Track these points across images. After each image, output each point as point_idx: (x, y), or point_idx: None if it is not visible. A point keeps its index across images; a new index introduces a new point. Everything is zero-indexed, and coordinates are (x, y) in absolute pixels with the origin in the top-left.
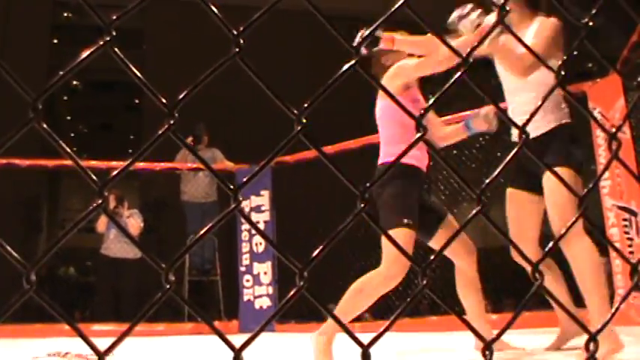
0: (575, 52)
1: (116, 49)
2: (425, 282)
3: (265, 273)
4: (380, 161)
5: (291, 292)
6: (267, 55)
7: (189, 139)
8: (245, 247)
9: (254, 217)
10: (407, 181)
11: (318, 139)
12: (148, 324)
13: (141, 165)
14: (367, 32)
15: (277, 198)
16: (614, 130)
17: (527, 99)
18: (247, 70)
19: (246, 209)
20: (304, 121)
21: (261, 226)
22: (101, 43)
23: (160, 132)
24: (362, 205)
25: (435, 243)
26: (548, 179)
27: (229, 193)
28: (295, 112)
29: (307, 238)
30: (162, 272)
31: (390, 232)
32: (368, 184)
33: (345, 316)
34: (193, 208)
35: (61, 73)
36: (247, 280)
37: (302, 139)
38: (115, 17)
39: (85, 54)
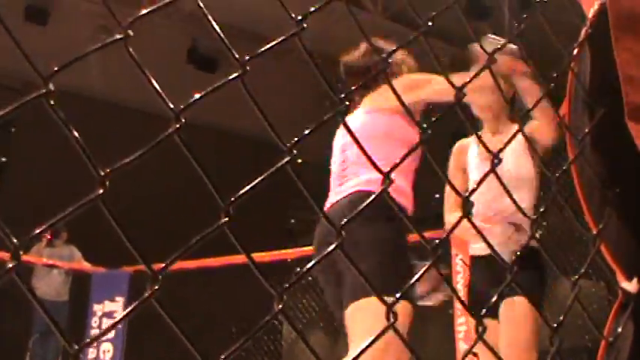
0: None
1: None
2: None
3: None
4: (352, 189)
5: None
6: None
7: (47, 233)
8: (92, 354)
9: (105, 323)
10: (396, 227)
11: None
12: None
13: None
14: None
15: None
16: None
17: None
18: (187, 154)
19: (99, 313)
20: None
21: (111, 334)
22: None
23: None
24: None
25: None
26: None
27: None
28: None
29: (158, 354)
30: None
31: (370, 304)
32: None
33: None
34: (44, 305)
35: None
36: None
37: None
38: None
39: None
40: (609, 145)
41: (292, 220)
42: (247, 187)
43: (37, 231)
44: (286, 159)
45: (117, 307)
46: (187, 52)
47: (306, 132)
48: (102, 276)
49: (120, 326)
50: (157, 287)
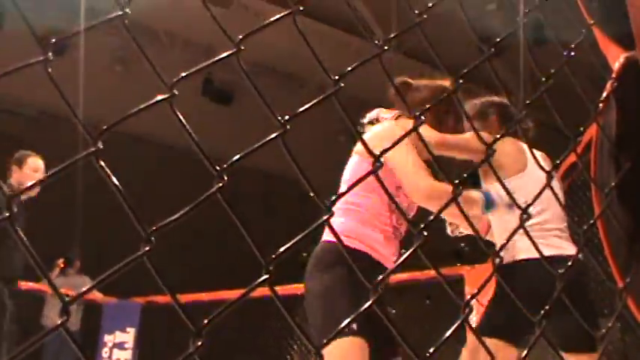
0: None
1: None
2: None
3: None
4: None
5: None
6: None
7: (60, 261)
8: None
9: (116, 354)
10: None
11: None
12: None
13: None
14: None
15: (143, 337)
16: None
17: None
18: (227, 209)
19: (109, 344)
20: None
21: None
22: None
23: None
24: None
25: None
26: None
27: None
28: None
29: None
30: None
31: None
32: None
33: None
34: (53, 335)
35: None
36: None
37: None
38: None
39: None
40: (636, 198)
41: (304, 254)
42: (288, 245)
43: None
44: (325, 217)
45: (128, 337)
46: (202, 85)
47: (344, 190)
48: (113, 306)
49: (130, 357)
50: (200, 343)
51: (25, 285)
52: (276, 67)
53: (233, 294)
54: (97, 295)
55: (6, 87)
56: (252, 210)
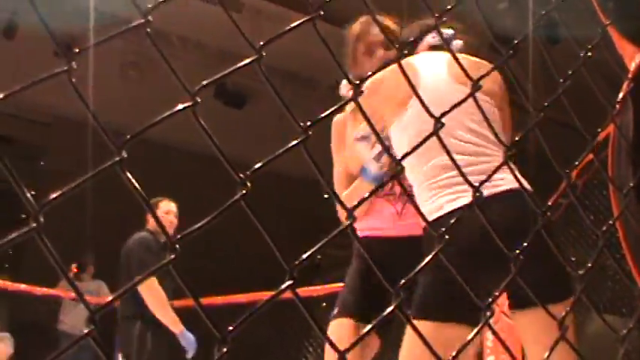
0: None
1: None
2: None
3: None
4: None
5: None
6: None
7: (73, 267)
8: None
9: None
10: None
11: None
12: None
13: (21, 287)
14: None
15: None
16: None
17: None
18: (251, 216)
19: None
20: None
21: None
22: None
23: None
24: None
25: None
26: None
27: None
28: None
29: None
30: None
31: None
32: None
33: None
34: (69, 339)
35: None
36: None
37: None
38: None
39: None
40: None
41: (319, 256)
42: (312, 250)
43: None
44: (347, 223)
45: None
46: (215, 88)
47: (366, 197)
48: None
49: None
50: (225, 350)
51: (40, 291)
52: (287, 68)
53: (248, 297)
54: (116, 301)
55: (20, 94)
56: (268, 212)
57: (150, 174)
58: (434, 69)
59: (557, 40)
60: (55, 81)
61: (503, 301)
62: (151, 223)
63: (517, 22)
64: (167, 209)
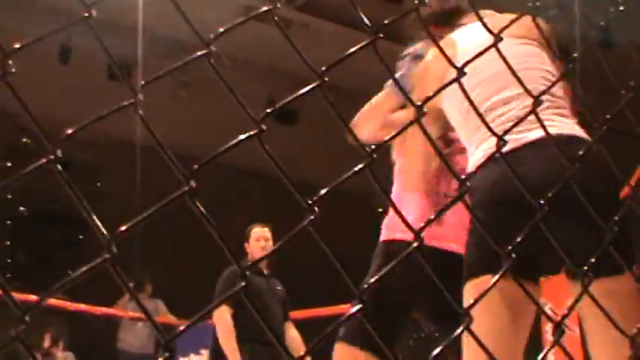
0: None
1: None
2: None
3: None
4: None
5: None
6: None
7: (131, 286)
8: None
9: None
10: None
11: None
12: None
13: (81, 307)
14: None
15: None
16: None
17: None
18: (320, 242)
19: None
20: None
21: None
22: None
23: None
24: None
25: None
26: None
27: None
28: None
29: None
30: None
31: None
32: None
33: None
34: (129, 357)
35: None
36: None
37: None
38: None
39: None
40: None
41: None
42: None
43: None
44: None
45: (202, 359)
46: (267, 104)
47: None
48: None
49: None
50: None
51: (99, 310)
52: (335, 82)
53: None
54: (170, 318)
55: (76, 116)
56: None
57: (213, 193)
58: (475, 36)
59: (611, 44)
60: (108, 103)
61: (564, 312)
62: (249, 252)
63: (568, 27)
64: (257, 236)
